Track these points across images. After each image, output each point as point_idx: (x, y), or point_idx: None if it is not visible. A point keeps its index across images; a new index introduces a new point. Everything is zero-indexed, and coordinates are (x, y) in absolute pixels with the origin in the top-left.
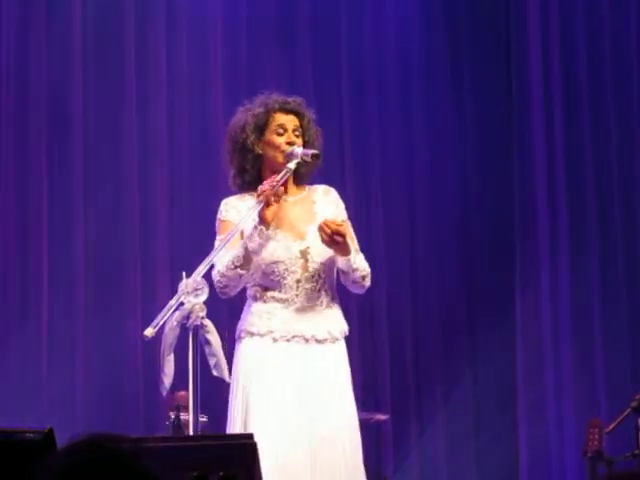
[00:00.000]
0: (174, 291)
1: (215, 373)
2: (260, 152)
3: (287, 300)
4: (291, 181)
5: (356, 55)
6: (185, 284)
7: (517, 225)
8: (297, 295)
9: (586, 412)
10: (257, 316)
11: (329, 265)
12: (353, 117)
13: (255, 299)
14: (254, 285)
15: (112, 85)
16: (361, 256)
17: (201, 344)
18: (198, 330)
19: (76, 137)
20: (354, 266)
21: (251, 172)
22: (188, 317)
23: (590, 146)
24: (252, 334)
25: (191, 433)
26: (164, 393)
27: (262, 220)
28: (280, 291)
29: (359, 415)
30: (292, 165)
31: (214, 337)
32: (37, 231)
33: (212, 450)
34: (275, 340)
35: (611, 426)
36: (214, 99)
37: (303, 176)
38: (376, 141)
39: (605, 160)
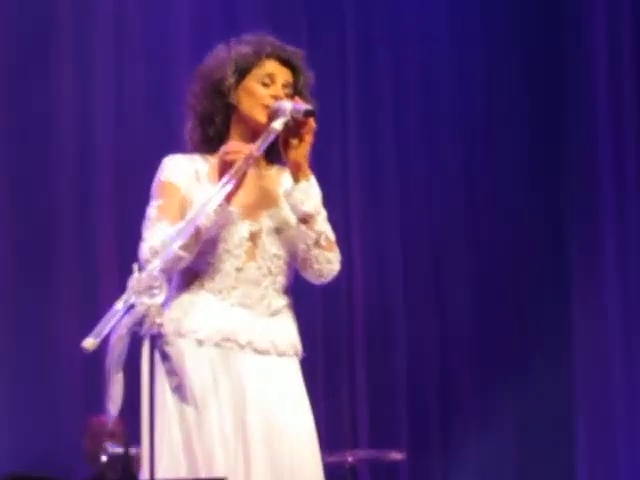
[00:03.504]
0: (122, 289)
1: (176, 397)
2: (234, 102)
3: (221, 291)
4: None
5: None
6: (137, 280)
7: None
8: (234, 287)
9: None
10: (179, 309)
11: (286, 261)
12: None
13: (179, 288)
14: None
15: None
16: (329, 226)
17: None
18: (154, 340)
19: None
20: (313, 203)
21: (218, 125)
22: (141, 323)
23: None
24: (173, 334)
25: (146, 477)
26: (110, 423)
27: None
28: (213, 278)
29: (368, 453)
30: (278, 125)
31: (175, 350)
32: None
33: None
34: (200, 343)
35: None
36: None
37: (279, 153)
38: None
39: None
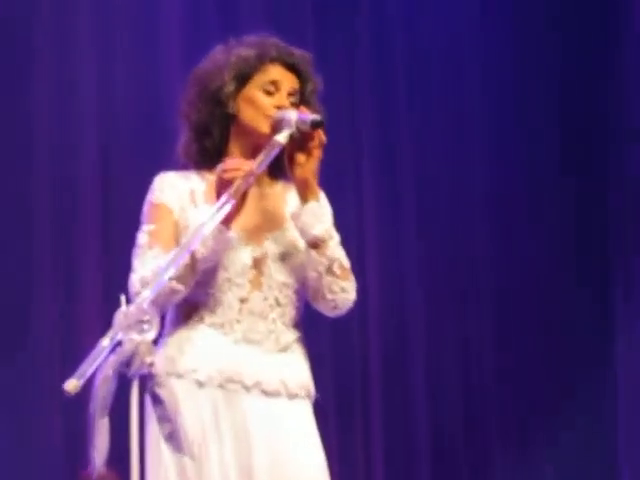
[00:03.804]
0: (108, 324)
1: (172, 448)
2: (233, 111)
3: (223, 326)
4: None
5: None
6: (124, 314)
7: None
8: (239, 321)
9: None
10: (175, 346)
11: (295, 290)
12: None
13: (175, 322)
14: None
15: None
16: (342, 251)
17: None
18: (145, 382)
19: None
20: (324, 226)
21: (215, 138)
22: (129, 362)
23: None
24: (168, 374)
25: None
26: (96, 475)
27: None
28: (214, 311)
29: None
30: (282, 137)
31: (168, 392)
32: None
33: None
34: (201, 385)
35: None
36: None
37: (284, 168)
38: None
39: None
